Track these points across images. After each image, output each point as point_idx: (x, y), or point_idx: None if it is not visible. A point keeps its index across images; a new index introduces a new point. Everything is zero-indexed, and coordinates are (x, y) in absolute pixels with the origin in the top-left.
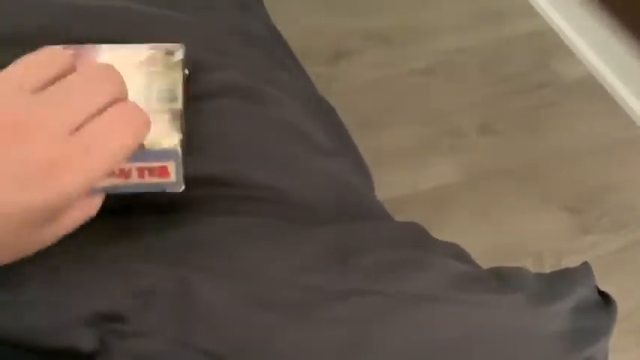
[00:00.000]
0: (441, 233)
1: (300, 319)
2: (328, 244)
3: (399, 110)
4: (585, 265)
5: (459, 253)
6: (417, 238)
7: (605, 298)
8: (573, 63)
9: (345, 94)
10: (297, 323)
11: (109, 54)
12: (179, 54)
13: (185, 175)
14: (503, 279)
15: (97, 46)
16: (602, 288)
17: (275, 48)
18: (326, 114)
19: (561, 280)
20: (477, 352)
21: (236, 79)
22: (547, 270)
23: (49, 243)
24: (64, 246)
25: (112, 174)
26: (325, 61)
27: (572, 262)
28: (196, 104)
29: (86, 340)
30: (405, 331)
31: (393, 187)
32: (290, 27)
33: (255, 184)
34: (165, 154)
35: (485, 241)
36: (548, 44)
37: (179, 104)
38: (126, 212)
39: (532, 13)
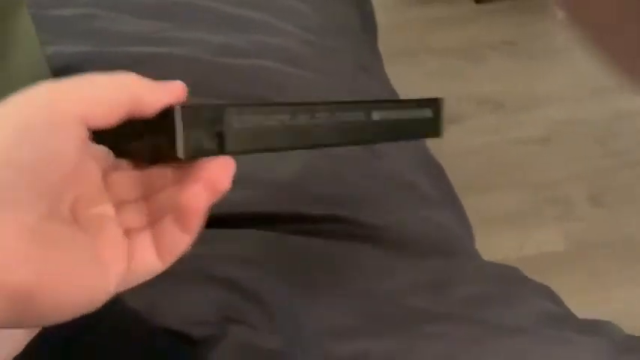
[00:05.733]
0: None
1: (405, 332)
2: (427, 274)
3: (507, 175)
4: None
5: (550, 295)
6: (510, 276)
7: None
8: None
9: (454, 156)
10: (402, 335)
11: None
12: None
13: (312, 213)
14: (591, 324)
15: None
16: None
17: None
18: (434, 171)
19: None
20: None
21: None
22: None
23: None
24: None
25: None
26: None
27: None
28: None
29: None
30: (491, 356)
31: (496, 250)
32: (406, 91)
33: (367, 223)
34: None
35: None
36: None
37: None
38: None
39: None
